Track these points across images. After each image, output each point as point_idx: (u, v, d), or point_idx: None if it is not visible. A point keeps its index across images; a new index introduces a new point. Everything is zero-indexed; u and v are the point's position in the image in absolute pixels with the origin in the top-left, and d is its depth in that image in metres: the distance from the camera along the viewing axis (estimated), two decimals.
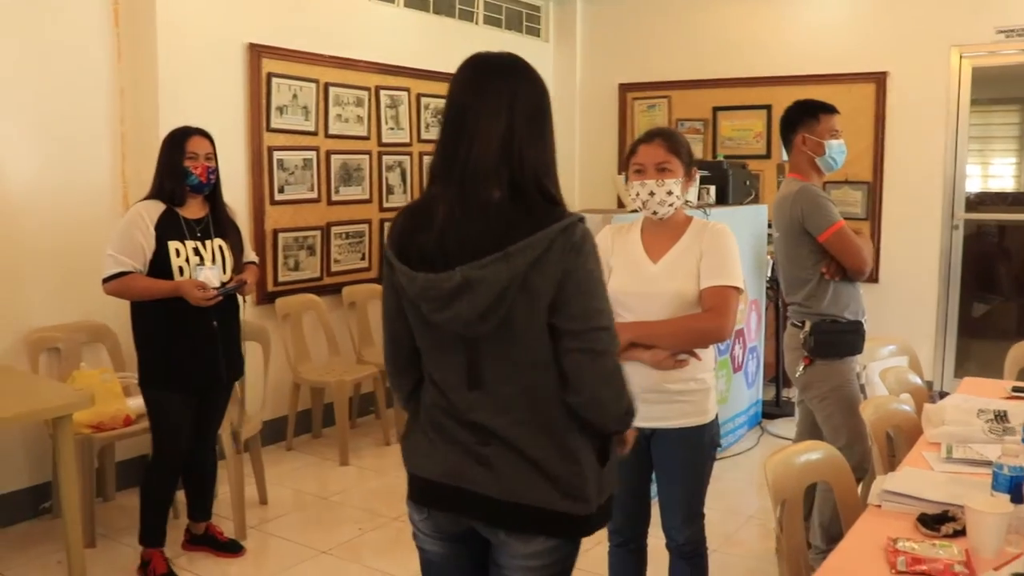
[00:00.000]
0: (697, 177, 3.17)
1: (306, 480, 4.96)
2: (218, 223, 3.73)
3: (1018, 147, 6.84)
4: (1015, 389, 3.36)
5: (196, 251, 3.61)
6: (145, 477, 3.80)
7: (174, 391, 3.62)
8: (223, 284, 3.64)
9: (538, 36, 7.63)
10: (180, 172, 3.57)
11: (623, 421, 1.87)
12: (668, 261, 2.76)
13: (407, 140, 6.22)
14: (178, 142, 3.60)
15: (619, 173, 7.09)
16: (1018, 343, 4.06)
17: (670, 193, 2.72)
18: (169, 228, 3.56)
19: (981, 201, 6.64)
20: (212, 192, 3.71)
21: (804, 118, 3.62)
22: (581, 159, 7.69)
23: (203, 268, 3.60)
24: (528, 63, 1.85)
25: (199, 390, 3.69)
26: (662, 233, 2.80)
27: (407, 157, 6.23)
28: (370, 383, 5.58)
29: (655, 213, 2.76)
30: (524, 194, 1.74)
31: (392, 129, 6.09)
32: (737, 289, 2.71)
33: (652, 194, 2.72)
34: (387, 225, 5.98)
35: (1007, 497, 1.97)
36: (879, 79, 6.48)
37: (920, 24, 6.34)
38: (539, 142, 1.79)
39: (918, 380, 3.54)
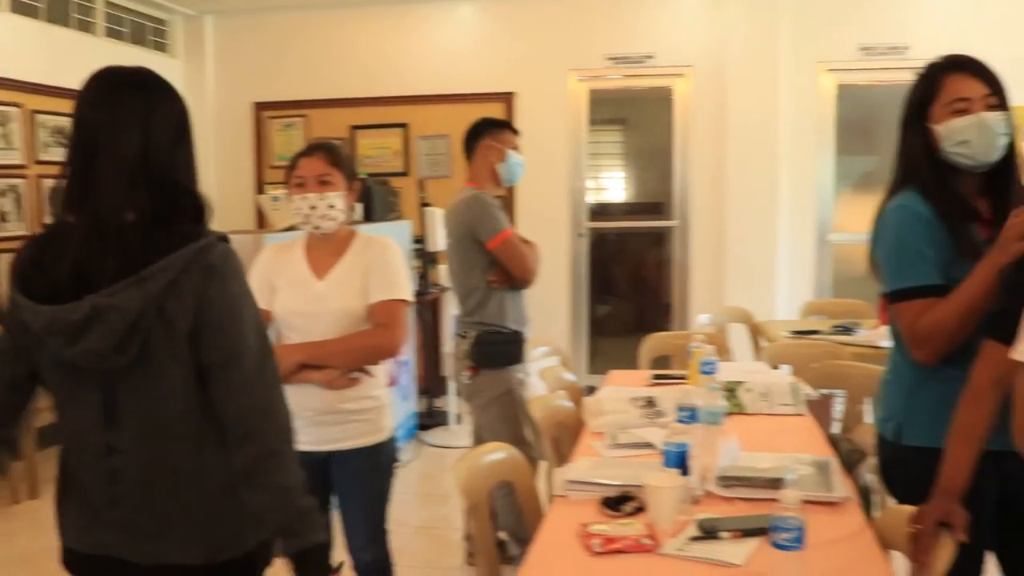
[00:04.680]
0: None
1: None
2: None
3: (624, 163, 7.57)
4: (656, 377, 3.70)
5: None
6: None
7: None
8: None
9: (165, 51, 7.24)
10: None
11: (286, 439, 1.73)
12: (334, 277, 2.72)
13: (22, 162, 5.62)
14: None
15: (258, 193, 6.93)
16: (650, 335, 4.49)
17: (332, 207, 2.69)
18: None
19: (600, 211, 7.28)
20: None
21: (489, 128, 3.77)
22: (217, 180, 7.40)
23: None
24: (163, 78, 1.75)
25: None
26: (326, 249, 2.76)
27: (22, 181, 5.63)
28: None
29: (318, 228, 2.71)
30: (164, 215, 1.65)
31: (3, 149, 5.48)
32: (406, 302, 2.73)
33: (314, 208, 2.67)
34: (5, 257, 5.38)
35: (677, 471, 2.16)
36: (507, 99, 6.91)
37: (541, 48, 6.87)
38: (181, 160, 1.71)
39: (572, 377, 3.79)
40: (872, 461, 2.52)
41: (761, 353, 4.31)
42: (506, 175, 3.75)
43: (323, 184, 2.69)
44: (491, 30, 6.99)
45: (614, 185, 7.63)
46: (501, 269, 3.60)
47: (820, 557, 1.91)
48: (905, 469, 2.24)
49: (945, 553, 1.86)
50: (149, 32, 7.05)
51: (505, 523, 3.64)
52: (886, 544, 2.07)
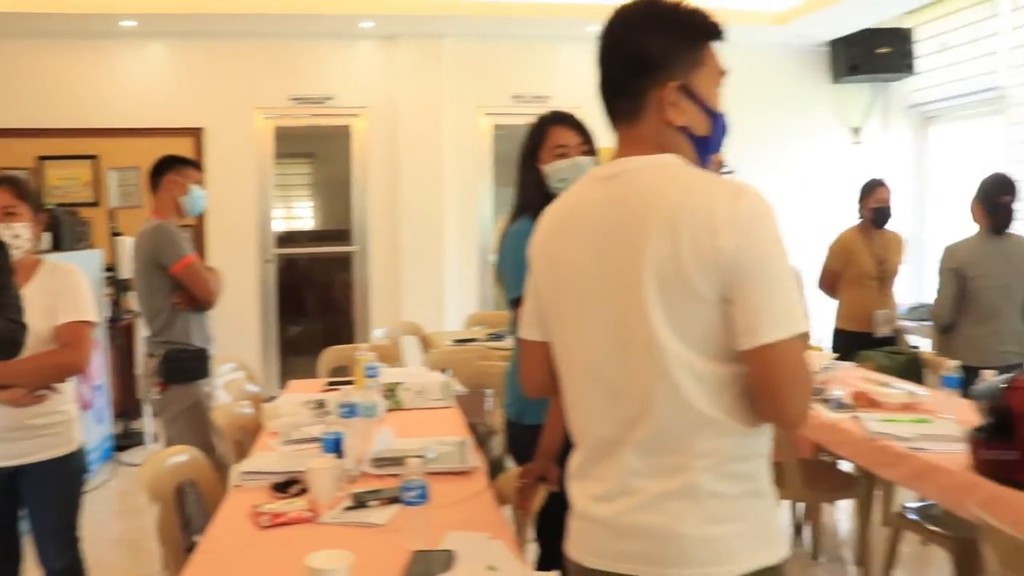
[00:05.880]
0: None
1: None
2: None
3: (312, 193, 7.76)
4: (329, 383, 3.95)
5: None
6: None
7: None
8: None
9: None
10: None
11: None
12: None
13: None
14: None
15: None
16: (328, 348, 4.74)
17: (18, 236, 2.72)
18: None
19: (289, 238, 7.42)
20: None
21: (173, 164, 3.85)
22: None
23: None
24: None
25: None
26: None
27: None
28: None
29: None
30: None
31: None
32: (91, 323, 2.80)
33: None
34: None
35: (333, 456, 2.43)
36: (196, 134, 6.89)
37: (229, 87, 6.92)
38: None
39: (255, 388, 3.96)
40: (501, 437, 2.94)
41: (425, 359, 4.69)
42: (189, 207, 3.86)
43: (9, 215, 2.72)
44: (180, 68, 6.93)
45: (304, 214, 7.79)
46: (185, 292, 3.70)
47: (447, 512, 2.26)
48: (526, 442, 2.60)
49: (539, 498, 2.28)
50: None
51: (199, 527, 3.73)
52: (502, 500, 2.46)
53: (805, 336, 1.39)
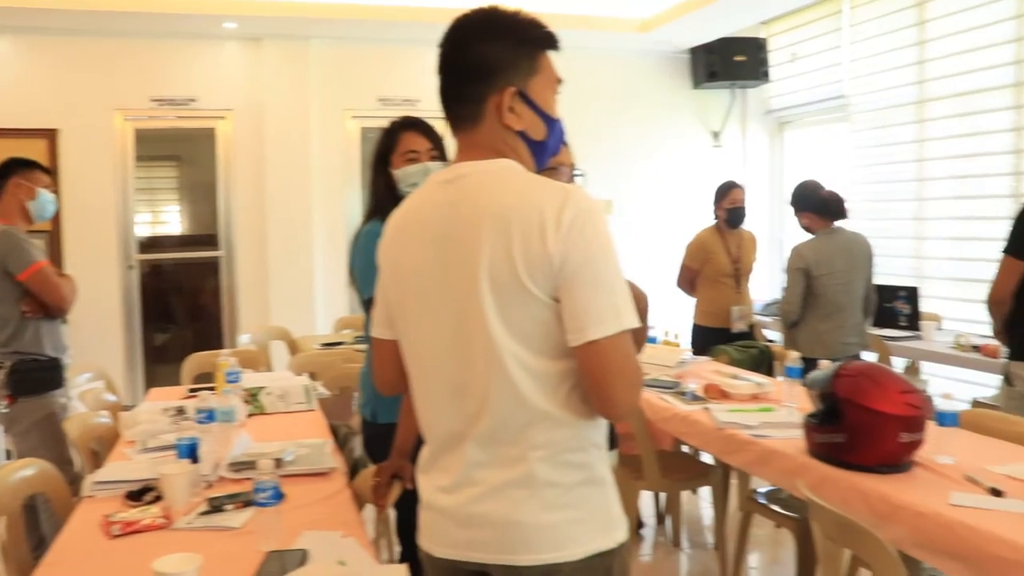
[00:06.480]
0: None
1: None
2: None
3: (179, 197, 7.57)
4: (191, 390, 3.89)
5: None
6: None
7: None
8: None
9: None
10: None
11: None
12: None
13: None
14: None
15: None
16: (192, 355, 4.66)
17: None
18: None
19: (154, 243, 7.21)
20: None
21: (19, 167, 3.74)
22: None
23: None
24: None
25: None
26: None
27: None
28: None
29: None
30: None
31: None
32: None
33: None
34: None
35: (188, 461, 2.41)
36: (50, 135, 6.60)
37: (86, 88, 6.67)
38: None
39: (113, 397, 3.86)
40: (360, 438, 2.97)
41: (290, 363, 4.67)
42: (37, 212, 3.74)
43: None
44: (31, 66, 6.62)
45: (170, 218, 7.58)
46: (34, 299, 3.59)
47: (304, 513, 2.29)
48: (381, 441, 2.65)
49: (394, 494, 2.33)
50: None
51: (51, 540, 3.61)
52: (361, 499, 2.50)
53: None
